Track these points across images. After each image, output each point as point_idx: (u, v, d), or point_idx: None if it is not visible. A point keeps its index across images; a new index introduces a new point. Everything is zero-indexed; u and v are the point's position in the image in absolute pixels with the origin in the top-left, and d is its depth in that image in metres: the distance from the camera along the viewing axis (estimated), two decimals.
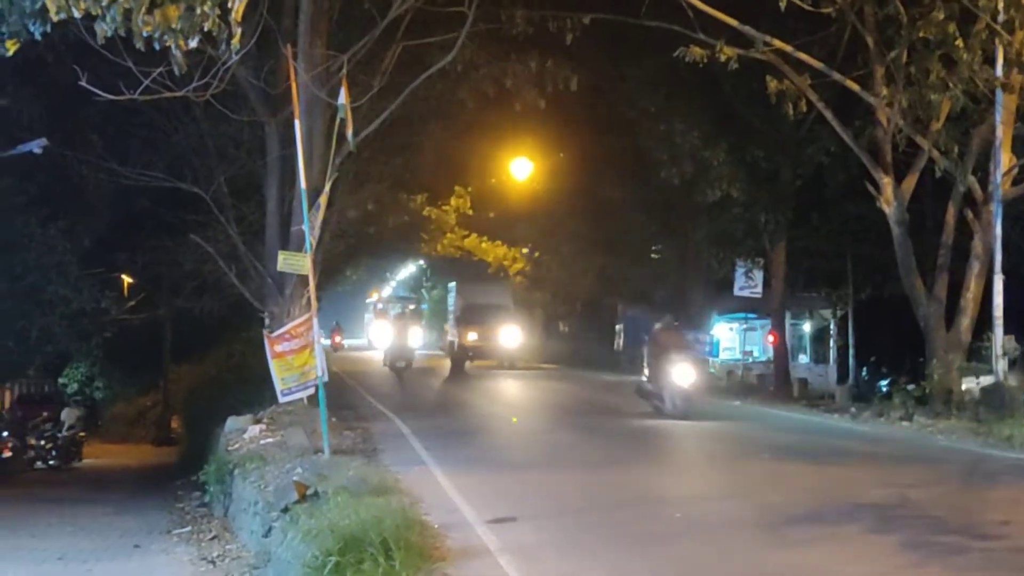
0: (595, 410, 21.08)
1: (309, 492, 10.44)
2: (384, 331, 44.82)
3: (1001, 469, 13.27)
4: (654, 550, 8.63)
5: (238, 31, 10.66)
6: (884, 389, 27.47)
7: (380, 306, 54.84)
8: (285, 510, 10.40)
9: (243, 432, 15.83)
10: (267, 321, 18.25)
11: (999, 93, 17.90)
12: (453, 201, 33.99)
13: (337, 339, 46.73)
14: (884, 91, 19.71)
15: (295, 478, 11.23)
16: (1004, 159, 18.37)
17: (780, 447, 15.22)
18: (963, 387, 18.93)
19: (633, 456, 14.43)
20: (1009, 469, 13.25)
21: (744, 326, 34.04)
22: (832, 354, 34.76)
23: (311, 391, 13.96)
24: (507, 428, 18.42)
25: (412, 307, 52.15)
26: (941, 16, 17.36)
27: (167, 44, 10.75)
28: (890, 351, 31.72)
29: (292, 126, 14.42)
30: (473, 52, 20.01)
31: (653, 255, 37.42)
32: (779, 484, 11.91)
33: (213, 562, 11.74)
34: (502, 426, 18.59)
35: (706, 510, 10.35)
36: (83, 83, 12.71)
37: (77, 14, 10.58)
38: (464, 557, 8.29)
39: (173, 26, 10.60)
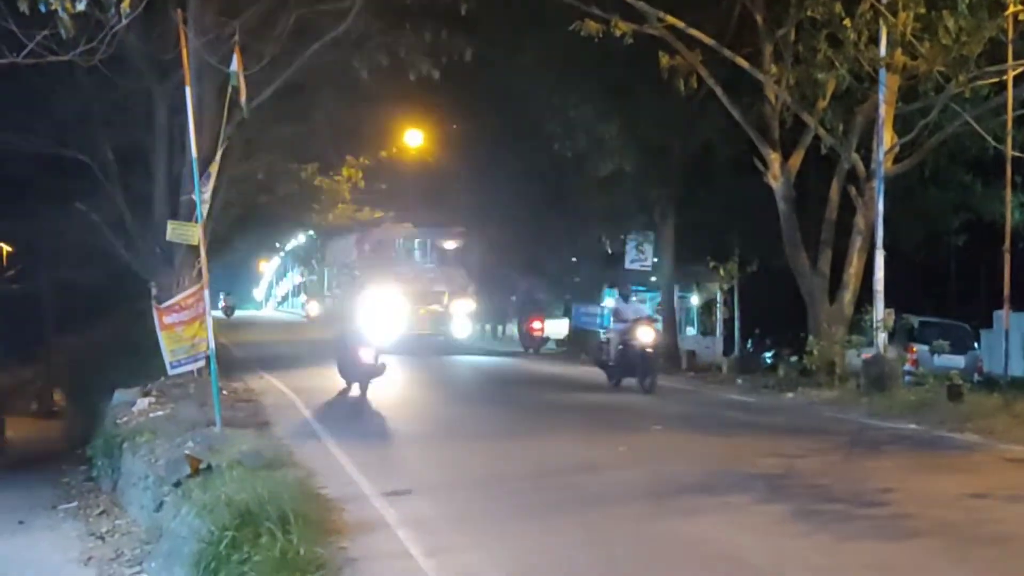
0: (486, 383, 21.17)
1: (202, 466, 10.32)
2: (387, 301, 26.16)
3: (882, 438, 13.74)
4: (549, 520, 8.73)
5: None
6: (769, 361, 28.19)
7: (372, 244, 29.53)
8: (177, 484, 10.26)
9: (131, 405, 15.56)
10: (154, 292, 17.90)
11: (882, 73, 18.34)
12: (345, 171, 33.57)
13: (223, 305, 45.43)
14: (772, 69, 20.12)
15: (187, 452, 11.08)
16: (886, 137, 18.87)
17: (670, 418, 15.51)
18: (845, 359, 19.51)
19: (526, 428, 14.53)
20: (890, 438, 13.72)
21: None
22: (719, 326, 35.40)
23: (201, 363, 13.78)
24: (401, 401, 18.39)
25: (455, 244, 29.70)
26: None
27: (53, 7, 10.43)
28: (774, 324, 32.44)
29: (181, 93, 14.14)
30: (367, 21, 19.81)
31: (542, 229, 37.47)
32: (670, 454, 12.15)
33: (102, 538, 11.53)
34: (396, 399, 18.55)
35: (600, 480, 10.49)
36: None
37: None
38: (362, 531, 8.28)
39: None
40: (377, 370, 17.44)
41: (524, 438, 13.47)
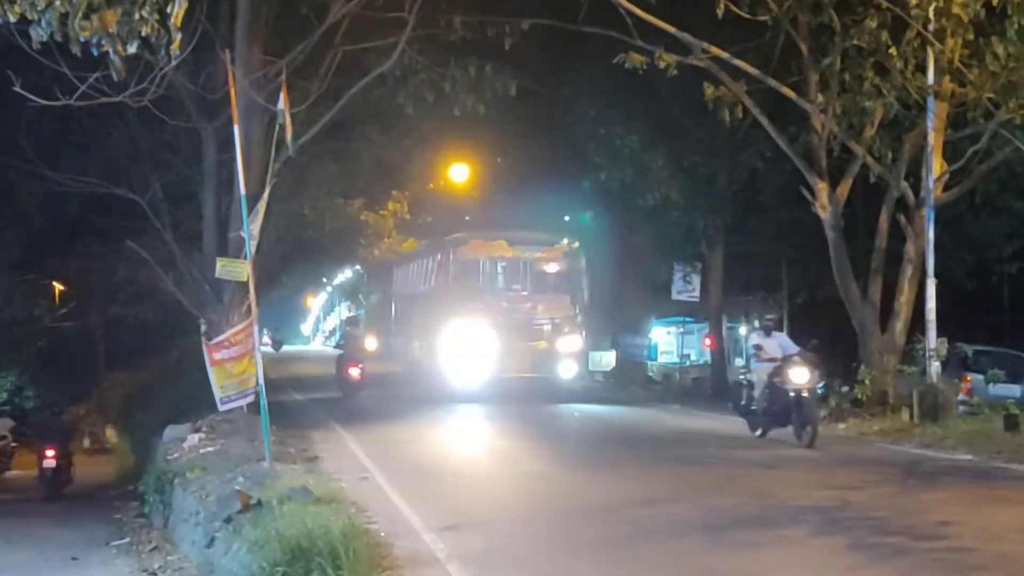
0: (534, 418, 20.99)
1: (252, 502, 10.33)
2: (475, 337, 23.04)
3: (937, 470, 13.52)
4: (602, 556, 8.65)
5: (178, 36, 10.55)
6: (819, 391, 27.85)
7: (457, 266, 24.32)
8: (228, 520, 10.28)
9: (182, 441, 15.62)
10: (203, 328, 18.02)
11: (931, 100, 18.18)
12: (391, 206, 33.74)
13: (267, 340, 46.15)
14: (819, 97, 19.94)
15: (237, 487, 11.10)
16: (936, 165, 18.67)
17: (722, 450, 15.35)
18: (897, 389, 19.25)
19: (576, 461, 14.45)
20: (945, 470, 13.50)
21: (681, 330, 34.26)
22: None
23: (250, 399, 13.80)
24: (449, 436, 18.34)
25: (558, 266, 24.26)
26: (874, 24, 17.63)
27: (105, 50, 10.60)
28: (824, 354, 32.02)
29: (228, 131, 14.26)
30: (411, 57, 19.94)
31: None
32: (724, 487, 12.02)
33: (154, 574, 11.57)
34: (444, 435, 18.51)
35: (654, 514, 10.40)
36: (17, 88, 12.45)
37: (12, 18, 10.40)
38: (412, 565, 8.25)
39: (111, 31, 10.47)
40: (362, 385, 23.69)
41: (570, 471, 13.35)
